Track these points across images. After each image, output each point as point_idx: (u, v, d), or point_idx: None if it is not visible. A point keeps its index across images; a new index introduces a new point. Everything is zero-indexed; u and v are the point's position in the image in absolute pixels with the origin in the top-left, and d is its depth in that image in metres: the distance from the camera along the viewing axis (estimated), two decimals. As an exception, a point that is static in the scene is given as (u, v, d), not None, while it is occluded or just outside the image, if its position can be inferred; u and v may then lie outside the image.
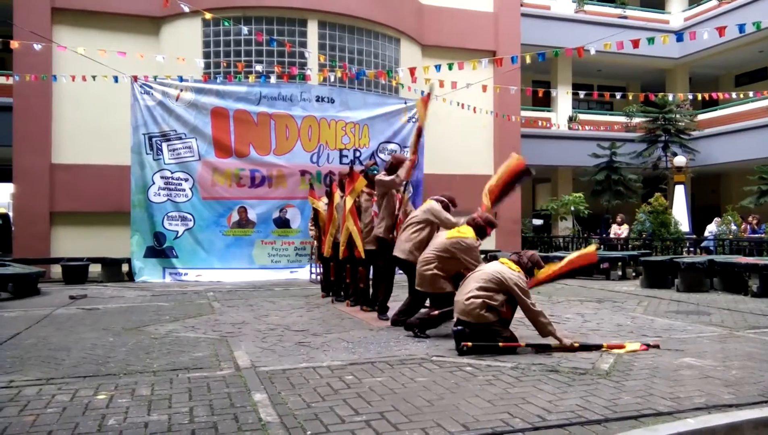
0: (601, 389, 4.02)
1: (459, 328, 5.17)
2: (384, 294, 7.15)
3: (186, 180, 12.11)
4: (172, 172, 12.07)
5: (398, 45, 14.67)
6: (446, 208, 6.83)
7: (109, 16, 13.27)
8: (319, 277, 10.84)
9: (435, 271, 5.88)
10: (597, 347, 5.27)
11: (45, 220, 12.87)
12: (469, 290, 5.23)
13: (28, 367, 4.76)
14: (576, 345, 5.22)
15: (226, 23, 11.64)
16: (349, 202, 7.61)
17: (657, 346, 5.32)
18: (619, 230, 16.57)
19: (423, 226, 6.59)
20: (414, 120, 13.90)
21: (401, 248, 6.56)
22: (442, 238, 6.08)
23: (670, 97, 19.13)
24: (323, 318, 7.26)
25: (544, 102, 23.18)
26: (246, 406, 3.68)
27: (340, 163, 12.99)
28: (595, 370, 4.55)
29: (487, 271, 5.33)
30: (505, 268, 5.28)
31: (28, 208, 12.79)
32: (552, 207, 19.30)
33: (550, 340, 5.26)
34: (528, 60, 11.05)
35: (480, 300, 5.11)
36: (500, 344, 5.11)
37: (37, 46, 10.97)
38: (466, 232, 5.96)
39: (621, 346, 5.27)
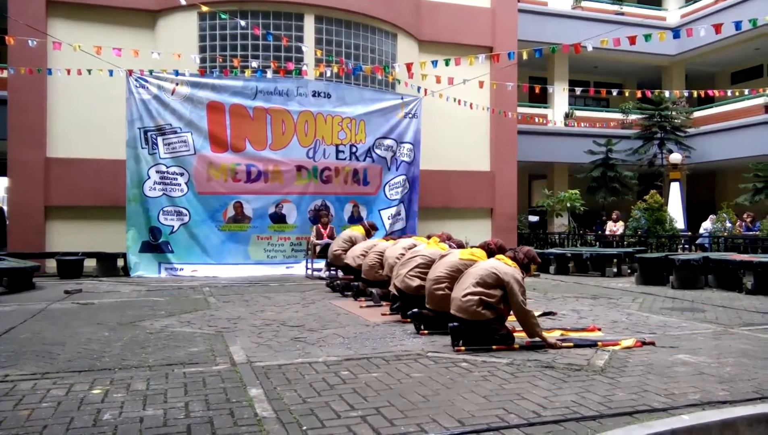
0: (596, 385, 4.03)
1: (455, 324, 5.17)
2: None
3: (181, 174, 12.06)
4: (167, 167, 12.01)
5: (395, 40, 14.64)
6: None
7: (104, 10, 13.19)
8: (321, 273, 11.48)
9: (446, 290, 5.75)
10: (591, 346, 5.29)
11: (40, 214, 12.82)
12: (465, 287, 5.23)
13: (23, 361, 4.74)
14: (570, 345, 5.24)
15: (223, 17, 11.59)
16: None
17: (652, 344, 5.34)
18: (614, 227, 16.62)
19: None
20: (411, 115, 13.91)
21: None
22: (454, 257, 6.03)
23: (667, 94, 19.14)
24: (319, 314, 7.26)
25: (541, 98, 23.22)
26: (242, 401, 3.68)
27: (337, 158, 12.99)
28: (590, 366, 4.57)
29: (483, 266, 5.34)
30: (500, 264, 5.29)
31: (23, 202, 12.74)
32: (548, 203, 19.33)
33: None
34: (525, 56, 11.04)
35: (477, 297, 5.11)
36: (494, 347, 5.11)
37: (32, 42, 10.90)
38: (479, 255, 5.91)
39: (615, 344, 5.29)
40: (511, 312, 5.27)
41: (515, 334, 5.45)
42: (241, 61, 12.33)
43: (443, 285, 5.83)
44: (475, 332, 5.16)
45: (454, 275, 5.77)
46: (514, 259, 5.41)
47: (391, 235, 12.46)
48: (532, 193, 26.94)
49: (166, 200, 12.02)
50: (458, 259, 5.93)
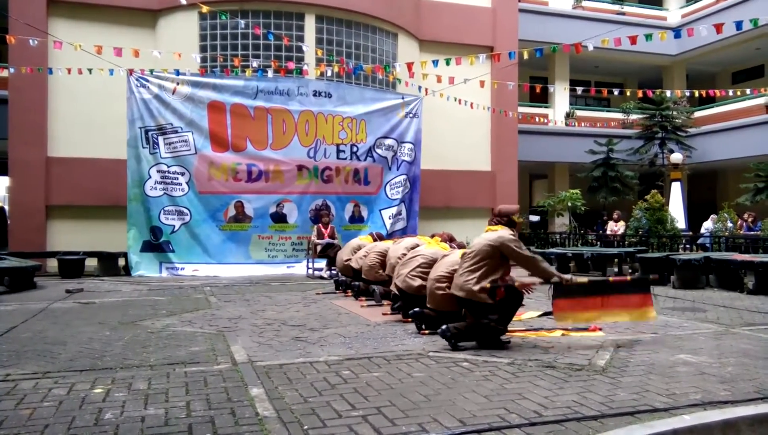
0: (597, 385, 4.03)
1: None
2: None
3: (182, 174, 12.06)
4: (168, 166, 12.02)
5: (396, 40, 14.63)
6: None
7: (105, 9, 13.21)
8: (322, 273, 11.58)
9: (446, 290, 5.75)
10: (604, 283, 5.49)
11: (41, 214, 12.83)
12: (465, 268, 5.31)
13: (25, 360, 4.75)
14: (585, 281, 5.36)
15: (223, 16, 11.59)
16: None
17: (656, 279, 5.52)
18: (615, 227, 16.60)
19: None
20: (412, 115, 13.90)
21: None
22: (454, 256, 6.03)
23: (668, 94, 19.14)
24: (320, 313, 7.26)
25: (542, 98, 23.20)
26: (243, 401, 3.68)
27: (337, 158, 12.99)
28: (591, 366, 4.57)
29: (476, 243, 5.40)
30: (488, 234, 5.35)
31: (24, 201, 12.75)
32: (549, 203, 19.31)
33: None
34: (525, 56, 11.04)
35: (476, 274, 5.15)
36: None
37: (32, 42, 10.90)
38: None
39: (625, 280, 5.48)
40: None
41: (520, 333, 5.45)
42: (242, 60, 12.32)
43: (444, 285, 5.83)
44: (472, 312, 5.24)
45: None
46: (496, 224, 5.47)
47: (391, 235, 12.46)
48: (532, 192, 26.93)
49: (167, 200, 12.02)
50: (459, 259, 5.93)
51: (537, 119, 20.27)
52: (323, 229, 12.10)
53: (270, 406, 3.57)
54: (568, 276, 5.39)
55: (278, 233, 12.66)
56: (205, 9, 10.81)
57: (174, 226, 12.06)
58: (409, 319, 6.29)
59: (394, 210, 13.73)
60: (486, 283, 5.11)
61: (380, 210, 13.63)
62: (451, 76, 12.60)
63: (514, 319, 5.98)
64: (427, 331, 5.86)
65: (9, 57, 12.56)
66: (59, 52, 11.95)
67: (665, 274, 10.57)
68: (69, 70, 11.63)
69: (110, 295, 8.92)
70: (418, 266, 6.56)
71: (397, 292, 6.84)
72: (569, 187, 20.88)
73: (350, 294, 8.79)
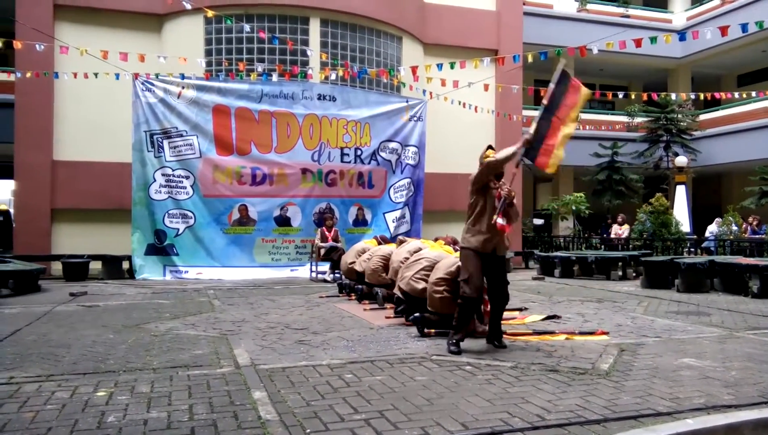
0: (600, 389, 4.02)
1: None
2: None
3: (187, 177, 12.09)
4: (173, 170, 12.05)
5: (400, 43, 14.65)
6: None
7: (111, 13, 13.26)
8: (326, 276, 11.60)
9: (445, 294, 5.79)
10: (545, 111, 5.51)
11: (46, 217, 12.87)
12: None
13: (28, 363, 4.77)
14: (534, 126, 5.49)
15: (228, 21, 11.63)
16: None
17: (566, 69, 5.66)
18: (620, 230, 16.56)
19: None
20: (416, 118, 13.92)
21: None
22: (451, 258, 6.05)
23: (673, 97, 19.10)
24: (323, 316, 7.26)
25: (546, 101, 23.14)
26: (245, 404, 3.69)
27: (341, 161, 13.00)
28: (594, 370, 4.56)
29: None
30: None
31: (29, 204, 12.80)
32: (553, 206, 19.28)
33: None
34: (530, 59, 11.02)
35: (467, 222, 5.38)
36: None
37: (39, 47, 10.97)
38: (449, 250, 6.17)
39: (552, 92, 5.52)
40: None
41: (523, 337, 5.43)
42: (247, 64, 12.37)
43: (442, 288, 5.84)
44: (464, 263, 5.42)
45: (456, 275, 5.77)
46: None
47: (395, 239, 12.45)
48: (537, 196, 26.88)
49: (171, 203, 12.05)
50: (454, 257, 5.95)
51: (541, 122, 20.22)
52: (327, 233, 12.11)
53: (272, 410, 3.57)
54: (522, 139, 5.49)
55: (282, 236, 12.68)
56: (210, 13, 10.86)
57: (178, 229, 12.09)
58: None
59: (398, 213, 13.73)
60: (494, 220, 5.23)
61: (384, 213, 13.63)
62: (456, 79, 12.61)
63: (517, 322, 5.99)
64: (432, 331, 5.86)
65: (15, 61, 12.63)
66: (65, 57, 11.99)
67: (669, 278, 10.53)
68: (75, 75, 11.69)
69: (114, 298, 8.94)
70: (422, 269, 6.56)
71: (400, 296, 6.84)
72: (573, 191, 20.83)
73: (354, 297, 8.79)
